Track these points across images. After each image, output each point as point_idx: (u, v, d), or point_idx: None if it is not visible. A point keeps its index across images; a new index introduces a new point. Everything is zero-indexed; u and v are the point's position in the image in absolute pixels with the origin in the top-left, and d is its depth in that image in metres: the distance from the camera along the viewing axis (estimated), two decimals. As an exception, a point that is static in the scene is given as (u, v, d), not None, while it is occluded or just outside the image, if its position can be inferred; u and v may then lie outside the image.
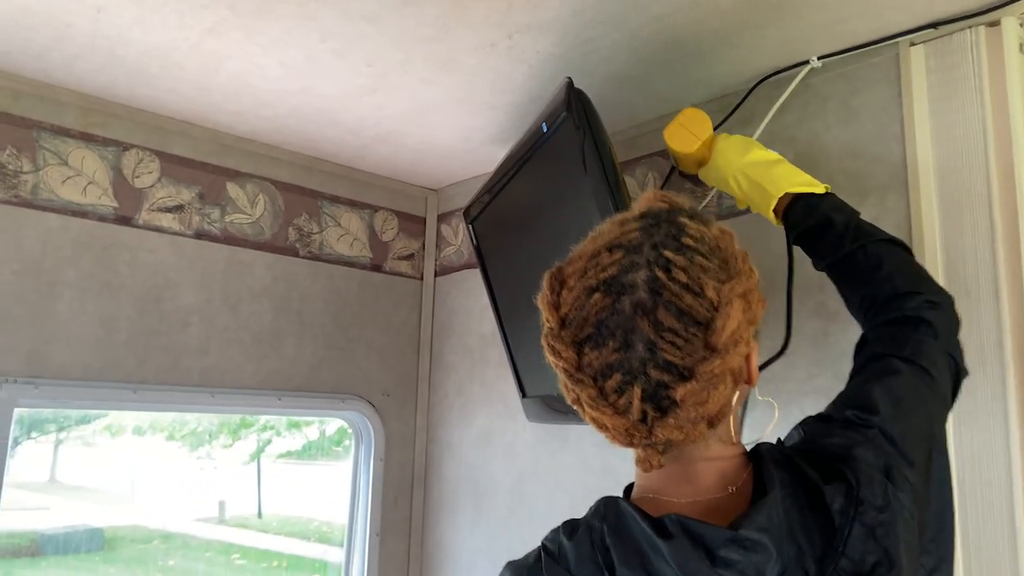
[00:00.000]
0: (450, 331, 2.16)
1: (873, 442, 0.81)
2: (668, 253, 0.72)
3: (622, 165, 1.75)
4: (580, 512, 1.94)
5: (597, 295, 0.72)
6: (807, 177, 1.19)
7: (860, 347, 1.00)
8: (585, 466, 1.75)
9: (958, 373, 0.96)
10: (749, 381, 0.75)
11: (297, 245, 1.96)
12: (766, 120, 1.44)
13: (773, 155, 1.24)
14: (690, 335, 0.69)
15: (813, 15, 1.26)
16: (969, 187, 1.23)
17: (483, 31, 1.32)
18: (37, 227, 1.56)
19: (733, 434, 0.78)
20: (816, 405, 1.36)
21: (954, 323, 1.00)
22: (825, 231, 1.12)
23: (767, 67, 1.44)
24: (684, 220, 0.75)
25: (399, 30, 1.32)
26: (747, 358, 0.74)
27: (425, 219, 2.26)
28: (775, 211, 1.19)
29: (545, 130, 1.27)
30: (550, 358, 0.75)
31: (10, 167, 1.54)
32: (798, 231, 1.16)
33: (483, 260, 1.79)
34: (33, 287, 1.54)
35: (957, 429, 1.20)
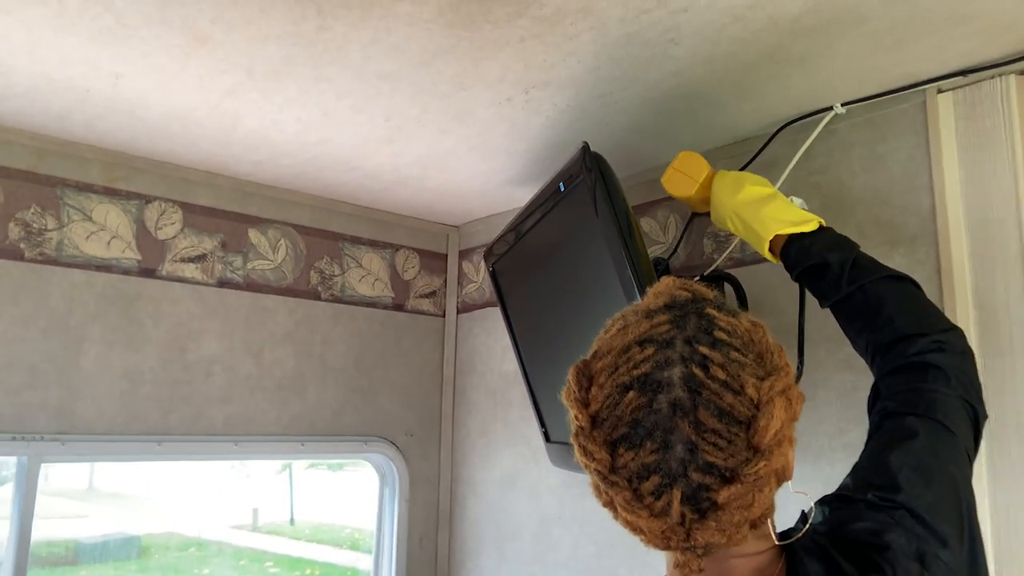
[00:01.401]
0: (472, 369, 2.15)
1: (902, 524, 0.79)
2: (703, 349, 0.70)
3: (643, 207, 1.73)
4: (605, 560, 1.92)
5: (631, 393, 0.69)
6: (798, 214, 1.16)
7: (873, 400, 0.98)
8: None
9: (977, 418, 0.92)
10: (786, 476, 0.73)
11: (319, 288, 1.96)
12: (789, 167, 1.41)
13: (765, 190, 1.21)
14: (732, 435, 0.67)
15: (840, 66, 1.23)
16: (1001, 241, 1.19)
17: (500, 87, 1.31)
18: (62, 284, 1.58)
19: (771, 530, 0.76)
20: (847, 461, 1.33)
21: (965, 361, 0.96)
22: (822, 273, 1.09)
23: (790, 113, 1.42)
24: (712, 312, 0.73)
25: (415, 88, 1.31)
26: (785, 466, 0.72)
27: (447, 256, 2.25)
28: (772, 251, 1.17)
29: (562, 189, 1.26)
30: (581, 459, 0.72)
31: (35, 225, 1.56)
32: (795, 273, 1.15)
33: (504, 304, 1.78)
34: (60, 344, 1.56)
35: (991, 489, 1.16)
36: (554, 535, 1.85)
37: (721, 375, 0.68)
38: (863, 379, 1.34)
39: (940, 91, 1.28)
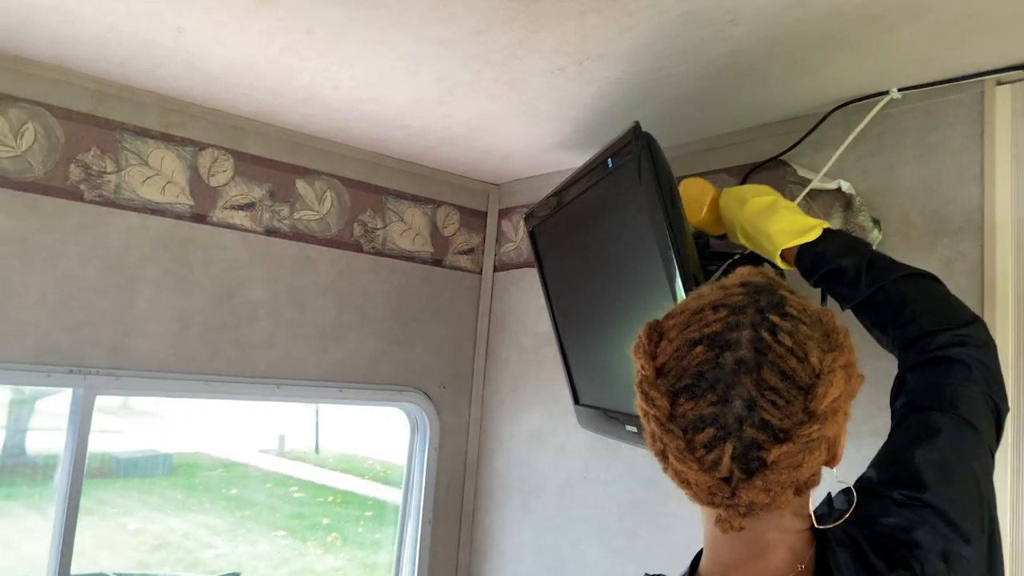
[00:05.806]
0: (505, 327, 2.20)
1: (928, 522, 0.81)
2: (773, 317, 0.73)
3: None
4: (627, 520, 1.98)
5: (699, 348, 0.73)
6: (802, 222, 1.17)
7: (896, 391, 1.00)
8: (634, 476, 1.78)
9: (999, 412, 0.94)
10: (836, 455, 0.76)
11: (361, 241, 2.01)
12: (841, 148, 1.40)
13: (766, 199, 1.23)
14: (791, 397, 0.70)
15: (899, 53, 1.22)
16: (1049, 240, 1.19)
17: (553, 58, 1.31)
18: (119, 226, 1.63)
19: (810, 508, 0.79)
20: (874, 445, 1.36)
21: (986, 353, 0.97)
22: (838, 277, 1.11)
23: (842, 94, 1.40)
24: (785, 293, 0.77)
25: (469, 54, 1.32)
26: (838, 436, 0.74)
27: (486, 214, 2.28)
28: (784, 259, 1.19)
29: (610, 165, 1.27)
30: (642, 405, 0.75)
31: (95, 168, 1.61)
32: (812, 280, 1.16)
33: (541, 266, 1.81)
34: (116, 284, 1.62)
35: (1015, 483, 1.18)
36: (578, 493, 1.91)
37: (788, 342, 0.72)
38: (895, 367, 1.36)
39: (999, 83, 1.26)
